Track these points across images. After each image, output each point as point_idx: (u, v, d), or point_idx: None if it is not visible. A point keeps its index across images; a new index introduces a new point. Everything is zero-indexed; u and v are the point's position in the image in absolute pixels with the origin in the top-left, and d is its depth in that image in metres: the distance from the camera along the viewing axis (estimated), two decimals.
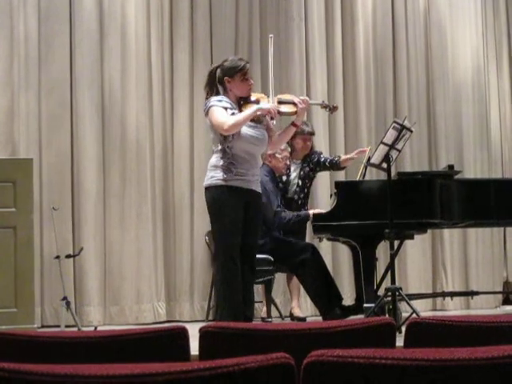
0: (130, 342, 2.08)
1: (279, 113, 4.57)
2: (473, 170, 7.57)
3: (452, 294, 6.69)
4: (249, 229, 4.45)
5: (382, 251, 6.16)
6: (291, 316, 6.31)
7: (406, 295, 5.10)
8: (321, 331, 2.15)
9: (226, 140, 4.40)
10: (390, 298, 4.91)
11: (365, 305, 5.09)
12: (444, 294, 6.82)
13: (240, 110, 4.48)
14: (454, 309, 7.30)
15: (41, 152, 6.34)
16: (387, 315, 5.11)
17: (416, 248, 7.30)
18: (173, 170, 6.82)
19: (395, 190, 5.00)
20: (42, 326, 6.04)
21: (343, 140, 7.34)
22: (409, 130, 5.03)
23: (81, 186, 6.44)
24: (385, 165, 4.96)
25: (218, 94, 4.53)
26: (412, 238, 5.78)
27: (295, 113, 4.60)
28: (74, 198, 6.44)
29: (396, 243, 5.22)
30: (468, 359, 1.52)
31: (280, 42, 7.04)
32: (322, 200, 6.91)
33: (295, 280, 6.08)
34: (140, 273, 6.53)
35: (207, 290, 6.45)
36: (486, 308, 7.32)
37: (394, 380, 1.52)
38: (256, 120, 4.50)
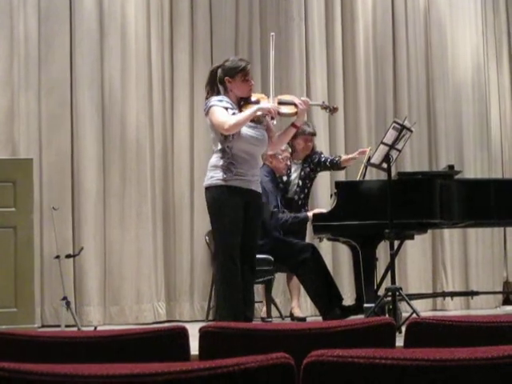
0: (129, 341, 2.09)
1: (279, 114, 4.56)
2: (473, 168, 7.56)
3: (452, 294, 6.68)
4: (249, 229, 4.45)
5: (382, 251, 6.15)
6: (291, 316, 6.31)
7: (406, 295, 5.09)
8: (321, 331, 2.15)
9: (226, 140, 4.40)
10: (390, 298, 4.90)
11: (365, 305, 5.09)
12: (444, 294, 6.81)
13: (240, 111, 4.47)
14: (454, 309, 7.30)
15: (41, 152, 6.34)
16: (387, 315, 5.10)
17: (416, 248, 7.30)
18: (173, 170, 6.82)
19: (395, 190, 4.99)
20: (42, 326, 6.04)
21: (343, 139, 7.33)
22: (409, 130, 5.03)
23: (81, 185, 6.44)
24: (385, 165, 4.96)
25: (218, 93, 4.53)
26: (412, 238, 5.78)
27: (295, 114, 4.59)
28: (74, 197, 6.44)
29: (396, 243, 5.22)
30: (468, 359, 1.52)
31: (280, 41, 7.02)
32: (322, 200, 6.90)
33: (295, 280, 6.08)
34: (140, 273, 6.53)
35: (207, 289, 6.45)
36: (486, 308, 7.31)
37: (394, 380, 1.52)
38: (256, 120, 4.50)
